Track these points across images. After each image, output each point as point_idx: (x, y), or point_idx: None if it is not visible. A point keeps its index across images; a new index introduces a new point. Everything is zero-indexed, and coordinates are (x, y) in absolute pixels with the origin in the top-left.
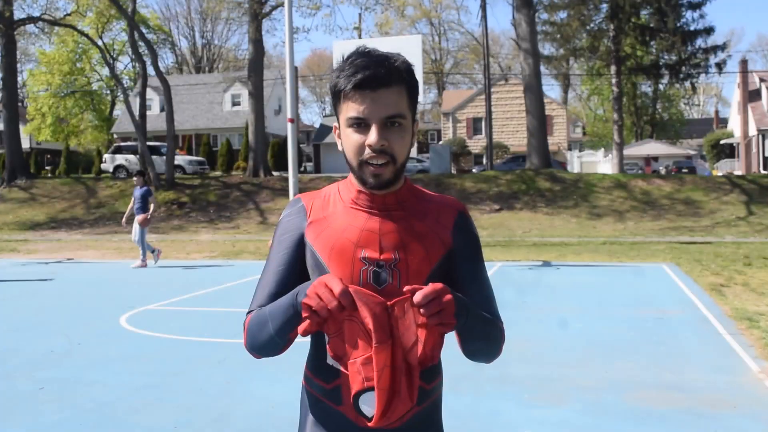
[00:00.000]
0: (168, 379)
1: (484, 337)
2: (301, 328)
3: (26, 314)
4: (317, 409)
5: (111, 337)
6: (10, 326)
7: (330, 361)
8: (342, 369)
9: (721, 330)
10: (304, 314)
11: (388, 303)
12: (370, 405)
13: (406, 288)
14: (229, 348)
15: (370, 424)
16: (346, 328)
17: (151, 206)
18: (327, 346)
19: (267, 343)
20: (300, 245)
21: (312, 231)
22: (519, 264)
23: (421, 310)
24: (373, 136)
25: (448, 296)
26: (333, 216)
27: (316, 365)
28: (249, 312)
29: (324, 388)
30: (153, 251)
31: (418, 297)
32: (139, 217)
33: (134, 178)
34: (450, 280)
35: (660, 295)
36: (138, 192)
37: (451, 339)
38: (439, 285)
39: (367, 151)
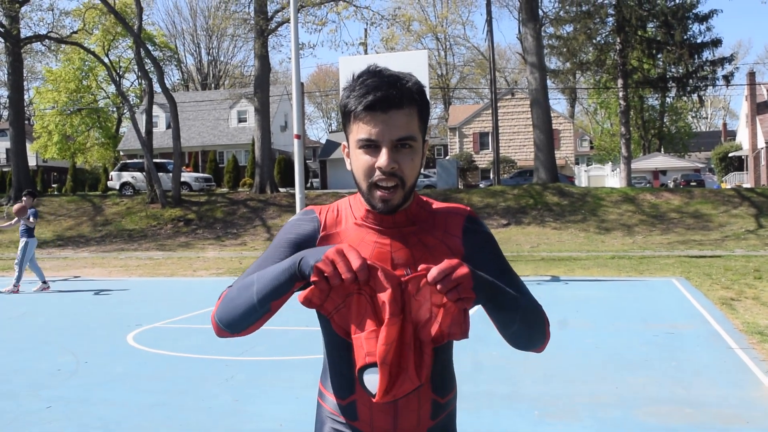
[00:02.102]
0: (175, 398)
1: (517, 311)
2: (302, 295)
3: (32, 332)
4: (332, 425)
5: (118, 355)
6: (17, 345)
7: (344, 374)
8: (356, 387)
9: (732, 344)
10: (314, 279)
11: (403, 279)
12: (374, 381)
13: (421, 266)
14: (237, 366)
15: (374, 400)
16: (354, 301)
17: (20, 221)
18: (332, 323)
19: (242, 310)
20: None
21: (324, 245)
22: (527, 279)
23: (438, 287)
24: (383, 158)
25: (464, 269)
26: (345, 232)
27: (331, 380)
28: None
29: (338, 404)
30: (44, 281)
31: (432, 273)
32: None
33: (23, 198)
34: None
35: (670, 310)
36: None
37: (459, 351)
38: (454, 260)
39: (377, 173)
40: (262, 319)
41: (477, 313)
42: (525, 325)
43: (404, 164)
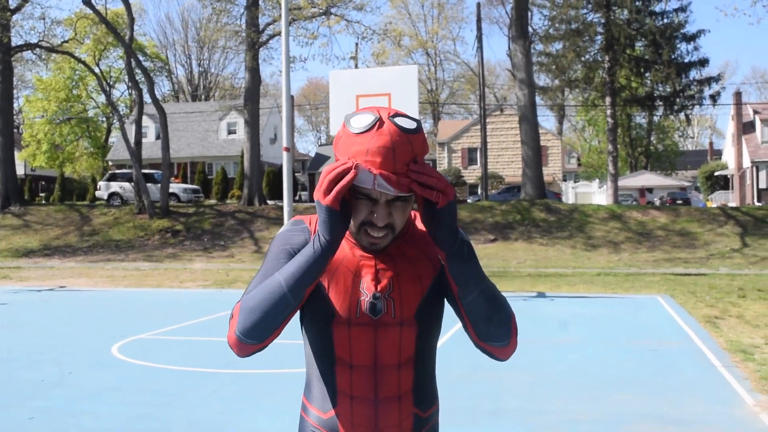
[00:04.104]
0: (160, 410)
1: (479, 282)
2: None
3: (17, 343)
4: None
5: (103, 366)
6: (1, 355)
7: (326, 387)
8: (338, 400)
9: (716, 362)
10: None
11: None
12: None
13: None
14: (223, 378)
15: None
16: None
17: None
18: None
19: (272, 309)
20: None
21: None
22: (513, 294)
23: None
24: (378, 216)
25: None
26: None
27: (314, 394)
28: (239, 301)
29: (321, 417)
30: None
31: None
32: None
33: None
34: (450, 295)
35: (655, 327)
36: None
37: (442, 365)
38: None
39: (370, 221)
40: (291, 315)
41: (460, 330)
42: (484, 299)
43: (397, 216)
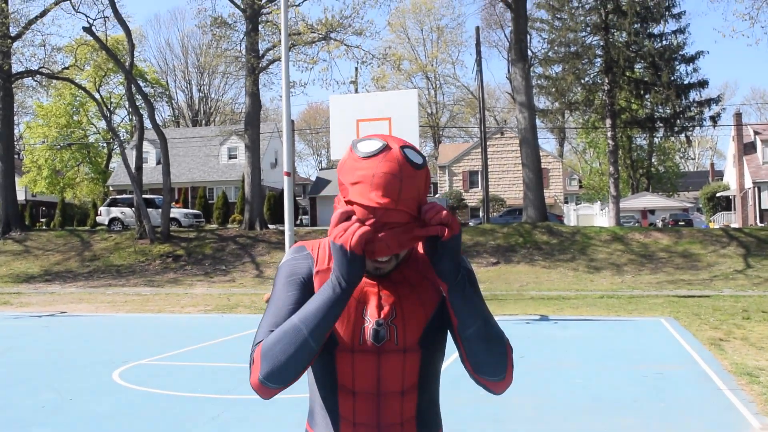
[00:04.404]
0: None
1: (479, 316)
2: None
3: (17, 368)
4: None
5: (103, 392)
6: (1, 381)
7: (329, 413)
8: (341, 427)
9: (721, 385)
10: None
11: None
12: None
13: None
14: (224, 404)
15: None
16: None
17: None
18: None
19: (296, 353)
20: (309, 289)
21: (319, 281)
22: (517, 318)
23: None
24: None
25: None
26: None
27: (316, 420)
28: (258, 343)
29: None
30: None
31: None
32: None
33: None
34: (450, 324)
35: (659, 350)
36: None
37: (445, 390)
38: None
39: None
40: (315, 358)
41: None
42: (483, 334)
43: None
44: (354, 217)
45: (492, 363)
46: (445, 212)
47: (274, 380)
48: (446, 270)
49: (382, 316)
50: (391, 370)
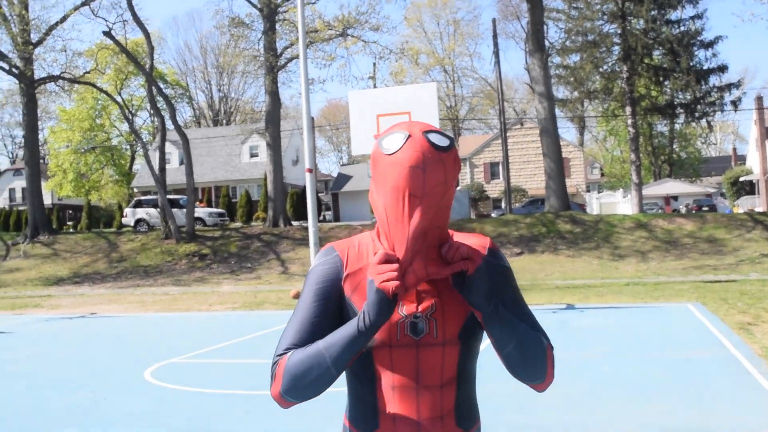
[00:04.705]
0: None
1: (513, 335)
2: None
3: (50, 370)
4: None
5: (136, 391)
6: (35, 382)
7: (368, 406)
8: (380, 421)
9: (751, 370)
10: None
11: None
12: None
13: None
14: (254, 400)
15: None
16: None
17: None
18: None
19: (317, 378)
20: (337, 297)
21: (349, 284)
22: (542, 307)
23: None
24: None
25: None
26: (368, 267)
27: (356, 415)
28: (280, 355)
29: None
30: None
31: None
32: None
33: None
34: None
35: (687, 336)
36: None
37: (477, 382)
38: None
39: None
40: (338, 377)
41: (491, 346)
42: (520, 351)
43: None
44: (394, 262)
45: (531, 372)
46: (464, 248)
47: (293, 396)
48: (478, 302)
49: (420, 309)
50: (431, 363)
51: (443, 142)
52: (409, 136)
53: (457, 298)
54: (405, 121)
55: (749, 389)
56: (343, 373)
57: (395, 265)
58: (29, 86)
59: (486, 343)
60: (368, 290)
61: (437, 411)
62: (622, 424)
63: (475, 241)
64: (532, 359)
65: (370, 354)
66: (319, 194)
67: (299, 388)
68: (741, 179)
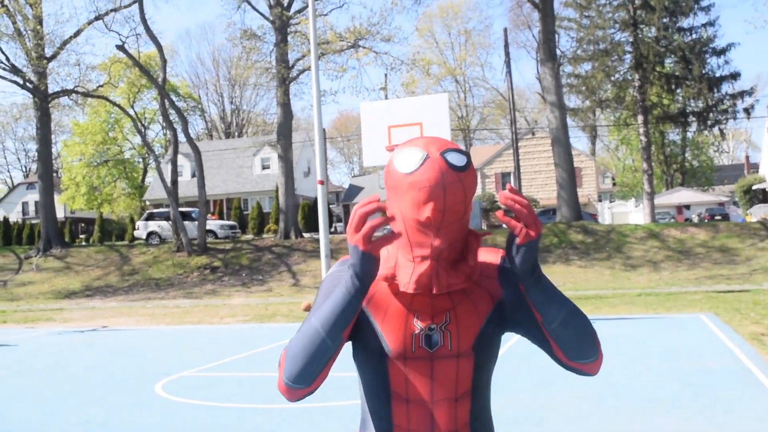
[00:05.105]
0: None
1: (571, 313)
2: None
3: (61, 384)
4: None
5: (147, 405)
6: (46, 396)
7: (382, 419)
8: None
9: (764, 381)
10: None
11: None
12: None
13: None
14: (266, 413)
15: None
16: None
17: None
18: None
19: (312, 354)
20: None
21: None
22: None
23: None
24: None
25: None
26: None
27: (370, 430)
28: (285, 349)
29: None
30: None
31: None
32: None
33: None
34: (504, 331)
35: (700, 346)
36: None
37: (491, 393)
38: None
39: None
40: (334, 357)
41: (504, 358)
42: (570, 322)
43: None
44: (370, 219)
45: (584, 346)
46: (526, 212)
47: (296, 381)
48: (525, 270)
49: (434, 321)
50: (445, 376)
51: (461, 161)
52: (427, 156)
53: (471, 310)
54: (420, 137)
55: (762, 400)
56: (358, 387)
57: (368, 222)
58: (43, 100)
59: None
60: (350, 253)
61: (452, 425)
62: None
63: (488, 251)
64: (582, 330)
65: (384, 368)
66: (331, 206)
67: (298, 368)
68: (754, 187)
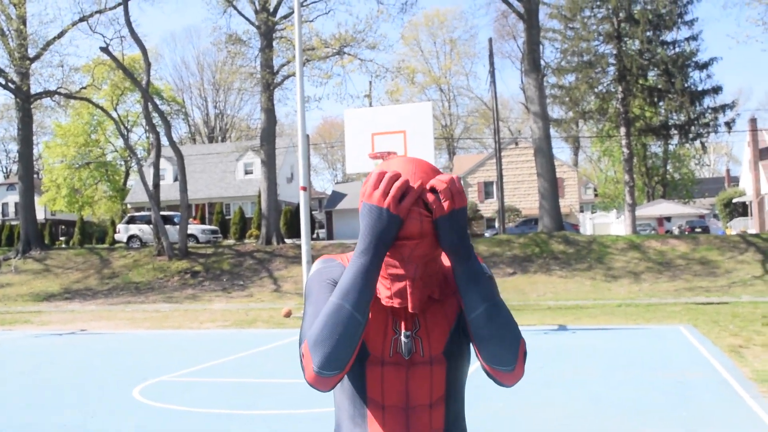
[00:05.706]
0: None
1: (493, 309)
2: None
3: (38, 387)
4: None
5: (124, 409)
6: (23, 400)
7: (356, 426)
8: None
9: (742, 393)
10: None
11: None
12: None
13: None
14: (244, 419)
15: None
16: None
17: None
18: None
19: (345, 331)
20: None
21: None
22: (535, 328)
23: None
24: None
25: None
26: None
27: None
28: (304, 340)
29: None
30: None
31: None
32: None
33: None
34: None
35: (679, 358)
36: None
37: (467, 403)
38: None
39: None
40: (362, 334)
41: (478, 368)
42: (490, 317)
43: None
44: (401, 181)
45: (503, 350)
46: (443, 184)
47: (329, 367)
48: (452, 241)
49: (406, 328)
50: (420, 382)
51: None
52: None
53: (441, 315)
54: (402, 158)
55: (741, 413)
56: (332, 394)
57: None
58: (25, 101)
59: (473, 366)
60: (369, 214)
61: (427, 430)
62: None
63: None
64: (503, 333)
65: (362, 372)
66: (313, 212)
67: (331, 351)
68: (734, 201)
